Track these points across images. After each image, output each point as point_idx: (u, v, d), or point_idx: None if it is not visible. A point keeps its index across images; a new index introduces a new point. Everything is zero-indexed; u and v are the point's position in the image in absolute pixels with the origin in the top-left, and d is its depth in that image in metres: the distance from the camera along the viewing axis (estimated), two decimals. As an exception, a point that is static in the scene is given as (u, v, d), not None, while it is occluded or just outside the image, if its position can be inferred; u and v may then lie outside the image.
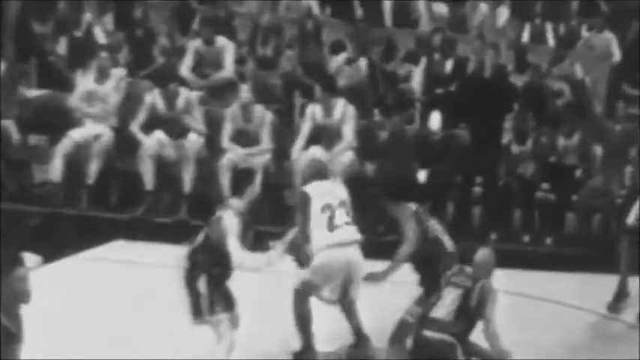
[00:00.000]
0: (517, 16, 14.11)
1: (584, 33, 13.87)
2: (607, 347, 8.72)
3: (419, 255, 7.49)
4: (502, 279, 7.44)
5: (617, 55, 13.45)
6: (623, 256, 9.43)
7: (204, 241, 7.17)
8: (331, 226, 7.39)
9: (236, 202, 7.30)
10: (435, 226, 7.62)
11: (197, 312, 7.09)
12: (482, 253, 7.08)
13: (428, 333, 6.79)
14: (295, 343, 7.72)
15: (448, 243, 7.58)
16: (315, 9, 13.58)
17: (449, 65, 12.68)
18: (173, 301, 7.44)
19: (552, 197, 11.88)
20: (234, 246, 6.95)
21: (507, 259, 9.92)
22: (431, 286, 7.32)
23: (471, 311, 6.84)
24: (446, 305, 6.85)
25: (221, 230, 7.04)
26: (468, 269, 7.03)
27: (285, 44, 12.86)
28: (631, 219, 9.36)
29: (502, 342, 6.78)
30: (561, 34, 14.06)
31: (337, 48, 12.67)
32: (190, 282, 7.09)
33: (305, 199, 7.50)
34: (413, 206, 7.65)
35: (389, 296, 7.81)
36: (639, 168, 10.02)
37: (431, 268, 7.41)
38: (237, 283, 7.32)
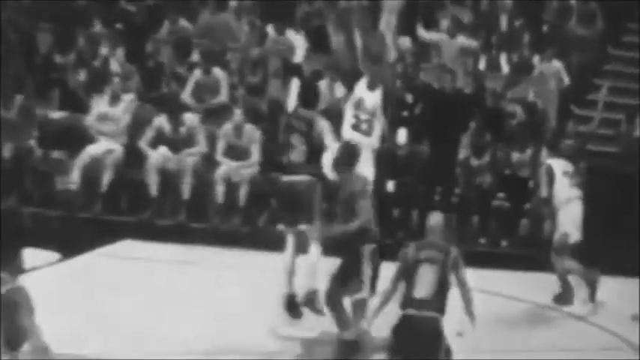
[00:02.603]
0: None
1: (535, 61, 14.22)
2: (557, 338, 9.28)
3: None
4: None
5: (566, 81, 13.93)
6: (556, 263, 10.00)
7: None
8: None
9: None
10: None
11: None
12: (432, 218, 7.21)
13: (412, 311, 6.83)
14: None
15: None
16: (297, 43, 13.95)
17: (411, 89, 13.16)
18: (173, 292, 8.20)
19: (507, 205, 12.58)
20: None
21: (465, 259, 11.06)
22: None
23: (447, 283, 6.89)
24: (424, 283, 6.88)
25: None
26: (433, 242, 7.06)
27: (271, 74, 13.45)
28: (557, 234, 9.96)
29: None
30: (515, 63, 14.42)
31: (316, 76, 12.93)
32: None
33: None
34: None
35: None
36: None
37: None
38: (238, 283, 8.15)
